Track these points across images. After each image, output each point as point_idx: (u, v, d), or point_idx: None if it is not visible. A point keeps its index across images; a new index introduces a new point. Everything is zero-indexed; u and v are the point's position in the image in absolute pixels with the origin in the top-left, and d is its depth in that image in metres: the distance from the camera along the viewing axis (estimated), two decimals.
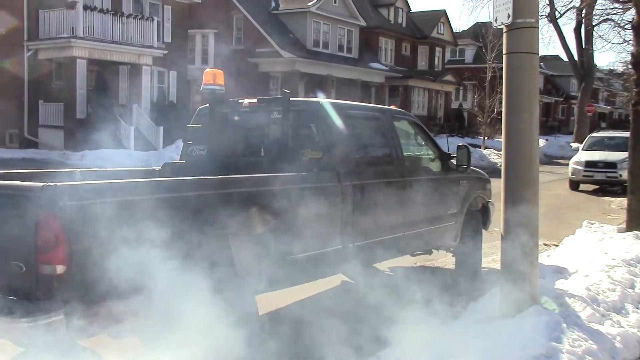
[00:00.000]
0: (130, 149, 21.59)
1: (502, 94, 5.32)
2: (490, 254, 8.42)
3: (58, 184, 3.63)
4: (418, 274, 7.70)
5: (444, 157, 7.15)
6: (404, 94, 39.44)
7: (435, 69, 42.81)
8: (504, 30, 5.14)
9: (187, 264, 3.96)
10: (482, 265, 7.88)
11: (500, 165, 5.46)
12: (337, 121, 5.70)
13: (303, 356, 4.66)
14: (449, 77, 43.08)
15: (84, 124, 21.87)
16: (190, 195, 4.29)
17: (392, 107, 7.29)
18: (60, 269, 3.50)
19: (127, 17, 23.67)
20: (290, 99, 5.78)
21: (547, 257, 7.50)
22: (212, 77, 6.11)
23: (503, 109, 5.23)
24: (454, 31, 46.24)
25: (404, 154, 6.58)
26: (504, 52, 5.17)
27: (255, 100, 6.09)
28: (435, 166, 7.11)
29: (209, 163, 5.99)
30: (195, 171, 5.71)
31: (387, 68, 37.68)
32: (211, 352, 3.99)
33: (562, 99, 57.62)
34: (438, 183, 6.94)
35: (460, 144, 7.21)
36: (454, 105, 45.54)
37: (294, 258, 4.88)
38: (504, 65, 5.21)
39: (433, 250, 7.49)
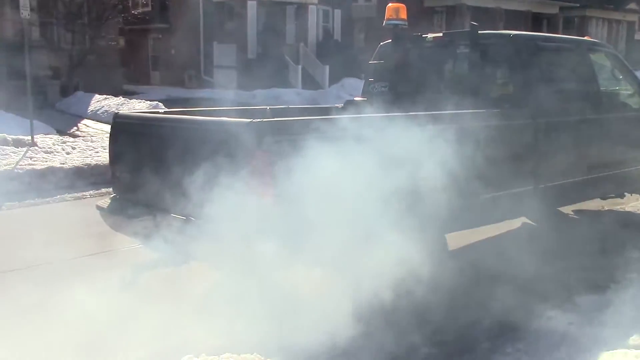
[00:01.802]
0: (298, 87, 22.17)
1: None
2: None
3: (264, 120, 3.77)
4: (606, 218, 7.23)
5: None
6: (579, 26, 36.39)
7: None
8: None
9: (383, 201, 3.98)
10: None
11: None
12: (529, 55, 5.36)
13: (487, 298, 4.55)
14: (632, 5, 38.94)
15: (255, 63, 22.74)
16: (378, 133, 4.26)
17: (586, 38, 6.71)
18: (267, 201, 3.66)
19: None
20: (479, 32, 5.50)
21: None
22: (395, 12, 5.98)
23: None
24: None
25: (601, 89, 6.07)
26: None
27: (441, 34, 5.88)
28: (636, 102, 6.49)
29: (391, 100, 5.94)
30: (377, 108, 5.69)
31: None
32: (402, 284, 4.06)
33: None
34: (637, 121, 6.35)
35: None
36: (637, 36, 41.28)
37: (485, 198, 4.74)
38: None
39: (625, 193, 6.95)
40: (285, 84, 22.42)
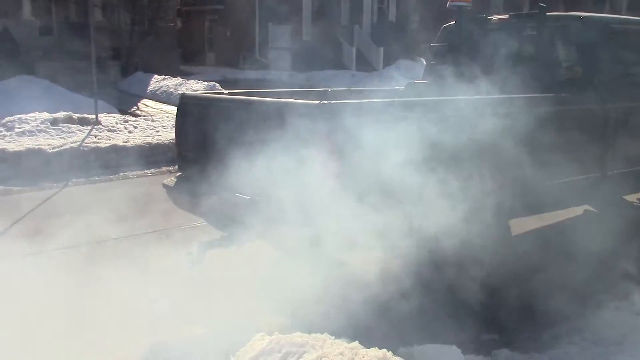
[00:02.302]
0: (352, 69, 22.09)
1: None
2: None
3: (332, 102, 3.79)
4: None
5: None
6: None
7: None
8: None
9: (445, 184, 3.96)
10: None
11: None
12: (600, 37, 5.20)
13: (552, 285, 4.48)
14: None
15: (309, 45, 22.73)
16: (440, 115, 4.22)
17: None
18: (333, 183, 3.69)
19: None
20: (547, 13, 5.37)
21: None
22: None
23: None
24: None
25: None
26: None
27: (507, 16, 5.76)
28: None
29: (454, 83, 5.86)
30: (439, 91, 5.64)
31: None
32: (464, 268, 4.07)
33: None
34: None
35: None
36: None
37: (551, 184, 4.66)
38: None
39: None
40: (340, 65, 22.35)
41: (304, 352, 2.46)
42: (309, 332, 2.72)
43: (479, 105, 4.48)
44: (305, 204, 3.79)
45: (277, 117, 4.02)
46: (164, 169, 8.84)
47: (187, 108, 5.01)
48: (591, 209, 6.57)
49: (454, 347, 3.02)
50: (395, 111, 3.94)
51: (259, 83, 17.65)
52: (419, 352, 2.93)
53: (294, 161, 3.82)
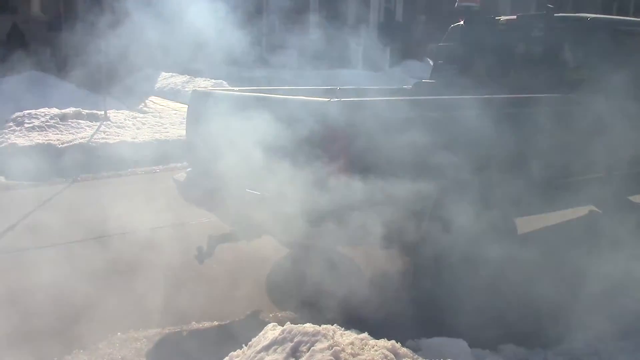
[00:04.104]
0: (358, 69, 22.12)
1: None
2: None
3: (342, 99, 3.85)
4: None
5: None
6: None
7: None
8: None
9: (457, 182, 4.01)
10: None
11: None
12: (608, 39, 5.25)
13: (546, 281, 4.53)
14: None
15: (315, 44, 22.73)
16: (449, 115, 4.27)
17: None
18: (342, 181, 3.75)
19: None
20: (555, 15, 5.42)
21: None
22: None
23: None
24: None
25: None
26: None
27: (515, 17, 5.81)
28: None
29: (460, 83, 5.91)
30: (445, 90, 5.69)
31: None
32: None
33: None
34: None
35: None
36: None
37: (557, 183, 4.71)
38: None
39: None
40: (346, 65, 22.34)
41: (316, 341, 2.52)
42: (319, 324, 2.79)
43: (484, 105, 4.53)
44: (313, 201, 3.85)
45: (288, 113, 4.08)
46: (171, 165, 8.91)
47: (198, 103, 5.07)
48: (596, 209, 6.62)
49: (460, 340, 3.08)
50: (404, 109, 3.99)
51: (267, 81, 17.68)
52: (426, 344, 2.99)
53: (303, 158, 3.89)
